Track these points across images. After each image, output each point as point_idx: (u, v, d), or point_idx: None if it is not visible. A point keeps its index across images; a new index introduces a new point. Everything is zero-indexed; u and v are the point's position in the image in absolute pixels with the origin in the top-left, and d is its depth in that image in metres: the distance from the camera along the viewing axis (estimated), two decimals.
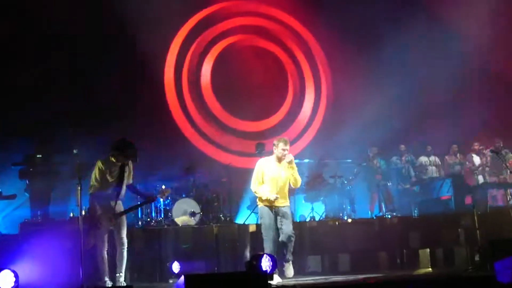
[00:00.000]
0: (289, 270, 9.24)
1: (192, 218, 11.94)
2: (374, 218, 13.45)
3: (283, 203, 9.39)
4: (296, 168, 9.50)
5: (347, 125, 15.40)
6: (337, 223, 12.29)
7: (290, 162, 9.39)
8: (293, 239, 9.31)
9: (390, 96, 15.60)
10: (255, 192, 9.46)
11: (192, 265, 10.29)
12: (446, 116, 16.25)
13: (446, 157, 15.66)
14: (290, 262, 9.30)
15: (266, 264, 8.43)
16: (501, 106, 16.59)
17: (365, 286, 7.94)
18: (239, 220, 13.63)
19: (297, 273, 9.74)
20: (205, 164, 14.31)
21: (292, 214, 10.45)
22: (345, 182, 13.79)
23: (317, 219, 13.36)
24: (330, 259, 11.55)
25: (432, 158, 15.68)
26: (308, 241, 11.67)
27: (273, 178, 9.35)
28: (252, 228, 11.79)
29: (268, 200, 9.26)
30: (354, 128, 15.16)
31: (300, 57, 17.45)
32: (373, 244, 11.89)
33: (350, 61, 16.50)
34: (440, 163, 15.66)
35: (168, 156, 13.99)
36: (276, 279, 8.79)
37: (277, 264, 8.82)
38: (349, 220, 12.74)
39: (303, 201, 14.08)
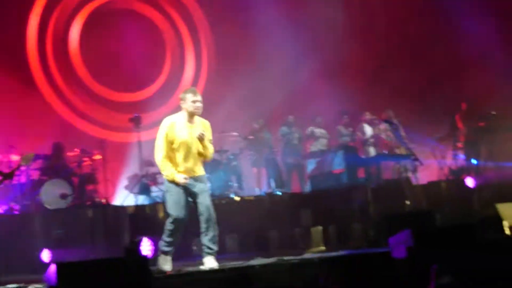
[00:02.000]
0: (211, 263, 8.05)
1: (63, 200, 11.68)
2: (264, 195, 13.56)
3: (198, 172, 8.19)
4: (211, 137, 8.26)
5: (231, 96, 15.45)
6: (223, 201, 12.31)
7: (199, 138, 8.08)
8: (213, 216, 8.07)
9: (277, 66, 15.80)
10: (161, 166, 8.11)
11: (64, 252, 10.07)
12: (335, 86, 16.55)
13: (337, 127, 15.93)
14: (213, 255, 8.12)
15: (146, 248, 8.34)
16: (390, 77, 17.07)
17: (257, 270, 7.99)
18: (116, 201, 13.47)
19: (182, 257, 9.54)
20: (77, 141, 14.00)
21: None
22: (231, 157, 13.80)
23: None
24: (217, 240, 11.54)
25: (322, 130, 15.93)
26: (192, 222, 11.62)
27: (184, 142, 8.05)
28: (131, 210, 11.66)
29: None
30: (239, 100, 15.22)
31: (180, 23, 17.31)
32: (262, 223, 12.00)
33: (235, 30, 16.57)
34: (328, 135, 15.93)
35: (36, 132, 13.60)
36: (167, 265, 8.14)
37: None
38: (237, 198, 12.79)
39: None
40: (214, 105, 15.09)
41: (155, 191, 13.34)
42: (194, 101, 8.11)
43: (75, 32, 16.01)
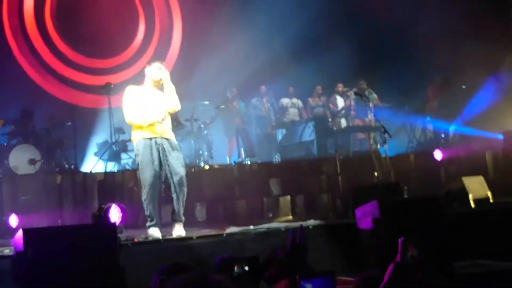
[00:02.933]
0: (179, 231, 8.07)
1: (32, 166, 11.62)
2: (233, 164, 13.58)
3: (168, 134, 8.16)
4: (173, 88, 8.16)
5: (202, 64, 15.40)
6: (193, 170, 12.33)
7: (164, 78, 8.09)
8: (184, 182, 8.04)
9: (251, 36, 15.76)
10: (131, 122, 8.04)
11: (32, 218, 10.03)
12: (309, 56, 16.56)
13: (309, 99, 15.98)
14: (181, 223, 8.15)
15: (115, 215, 8.34)
16: (365, 46, 17.12)
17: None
18: (85, 168, 13.44)
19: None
20: (47, 107, 13.92)
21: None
22: (202, 126, 13.77)
23: None
24: (185, 209, 11.56)
25: (295, 100, 15.98)
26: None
27: (149, 102, 8.06)
28: (99, 177, 11.62)
29: (150, 128, 7.98)
30: (210, 67, 15.18)
31: None
32: (231, 192, 12.07)
33: None
34: (302, 105, 16.00)
35: (5, 97, 13.47)
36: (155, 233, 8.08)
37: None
38: (206, 167, 12.83)
39: None
40: (186, 73, 15.11)
41: (125, 158, 13.32)
42: (159, 68, 8.16)
43: None
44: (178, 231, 8.11)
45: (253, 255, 5.28)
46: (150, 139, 8.01)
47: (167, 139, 8.08)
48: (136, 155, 8.16)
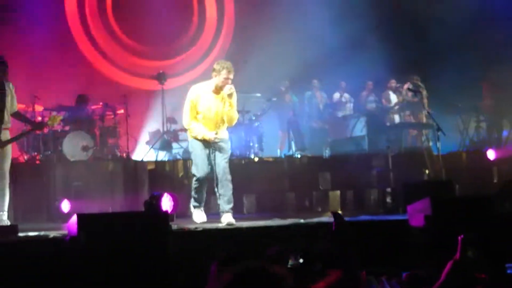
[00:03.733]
0: (228, 219, 8.38)
1: (85, 152, 11.76)
2: (283, 157, 13.61)
3: (220, 135, 8.62)
4: (235, 105, 8.65)
5: (255, 56, 15.40)
6: (243, 161, 12.38)
7: (230, 96, 8.44)
8: (229, 178, 8.55)
9: (305, 29, 15.73)
10: (188, 129, 8.66)
11: (83, 204, 10.17)
12: (361, 50, 16.45)
13: (361, 93, 15.91)
14: (230, 213, 8.48)
15: (166, 204, 8.43)
16: (416, 43, 16.92)
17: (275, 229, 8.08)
18: (137, 156, 13.57)
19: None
20: (101, 95, 14.07)
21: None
22: (253, 118, 13.79)
23: None
24: (234, 199, 11.59)
25: (346, 95, 15.93)
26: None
27: (208, 111, 8.52)
28: (150, 166, 11.76)
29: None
30: (263, 60, 15.18)
31: None
32: (281, 185, 12.08)
33: None
34: (353, 100, 15.93)
35: (61, 84, 13.65)
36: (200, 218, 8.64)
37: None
38: (256, 159, 12.86)
39: None
40: (238, 65, 15.10)
41: (176, 147, 13.42)
42: (226, 79, 8.38)
43: None
44: (228, 220, 8.33)
45: (306, 248, 5.28)
46: (203, 142, 8.56)
47: (219, 141, 8.59)
48: (191, 152, 8.79)
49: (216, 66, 8.46)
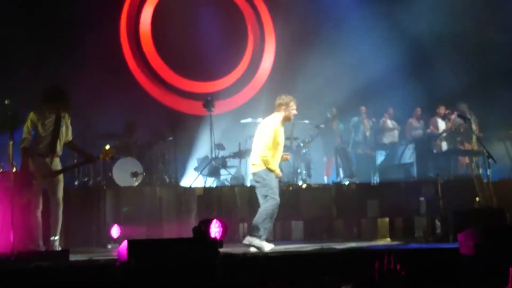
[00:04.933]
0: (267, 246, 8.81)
1: (134, 178, 11.89)
2: (331, 184, 13.58)
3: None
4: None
5: (302, 83, 15.42)
6: (291, 188, 12.38)
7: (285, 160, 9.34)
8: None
9: (352, 55, 15.74)
10: (266, 160, 8.87)
11: (133, 229, 10.28)
12: (408, 77, 16.36)
13: (409, 120, 15.80)
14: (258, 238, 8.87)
15: (215, 230, 8.46)
16: (464, 70, 16.77)
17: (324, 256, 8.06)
18: (185, 182, 13.65)
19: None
20: (149, 120, 14.21)
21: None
22: (301, 144, 13.80)
23: None
24: (282, 226, 11.65)
25: (394, 122, 15.85)
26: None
27: (280, 143, 9.03)
28: (199, 192, 11.83)
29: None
30: (310, 87, 15.19)
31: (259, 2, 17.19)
32: (329, 212, 12.06)
33: (308, 16, 16.59)
34: (399, 127, 15.84)
35: (111, 110, 13.79)
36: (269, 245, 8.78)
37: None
38: (304, 186, 12.85)
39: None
40: (286, 92, 15.13)
41: (224, 174, 13.47)
42: (295, 109, 8.98)
43: (147, 14, 15.90)
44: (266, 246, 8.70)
45: (359, 277, 5.26)
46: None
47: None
48: (264, 179, 8.90)
49: (281, 101, 8.95)
